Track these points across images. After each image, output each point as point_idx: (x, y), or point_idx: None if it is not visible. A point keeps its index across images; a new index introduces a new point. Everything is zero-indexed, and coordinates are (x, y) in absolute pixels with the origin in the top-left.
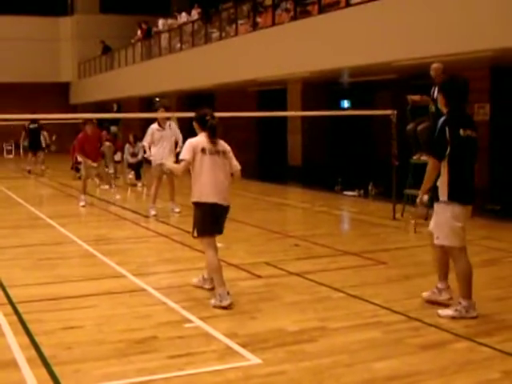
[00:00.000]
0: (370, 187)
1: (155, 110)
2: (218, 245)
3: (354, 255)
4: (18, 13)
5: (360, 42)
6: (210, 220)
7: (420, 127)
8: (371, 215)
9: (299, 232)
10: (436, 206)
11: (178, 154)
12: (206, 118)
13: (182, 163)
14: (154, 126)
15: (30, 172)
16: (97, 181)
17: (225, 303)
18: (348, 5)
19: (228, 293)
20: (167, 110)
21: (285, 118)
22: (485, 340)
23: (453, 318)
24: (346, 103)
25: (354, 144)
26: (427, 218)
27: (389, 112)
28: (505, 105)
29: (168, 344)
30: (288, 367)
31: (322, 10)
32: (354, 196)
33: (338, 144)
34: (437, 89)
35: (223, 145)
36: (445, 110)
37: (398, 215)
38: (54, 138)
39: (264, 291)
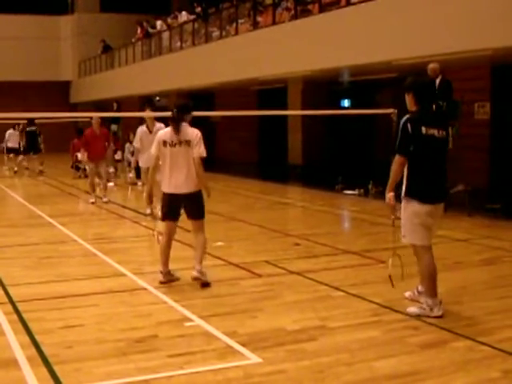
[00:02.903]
0: (370, 186)
1: (153, 110)
2: (219, 243)
3: (354, 254)
4: (18, 11)
5: (360, 40)
6: (166, 208)
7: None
8: (371, 214)
9: (299, 231)
10: (401, 202)
11: None
12: (173, 110)
13: (152, 159)
14: (143, 128)
15: (16, 172)
16: (97, 179)
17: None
18: (348, 4)
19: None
20: (166, 109)
21: (285, 117)
22: (484, 339)
23: (417, 315)
24: (346, 102)
25: (354, 143)
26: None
27: (389, 111)
28: (505, 104)
29: (168, 343)
30: (288, 366)
31: (323, 8)
32: (354, 195)
33: (338, 143)
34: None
35: (188, 134)
36: (413, 109)
37: (398, 214)
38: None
39: (264, 290)
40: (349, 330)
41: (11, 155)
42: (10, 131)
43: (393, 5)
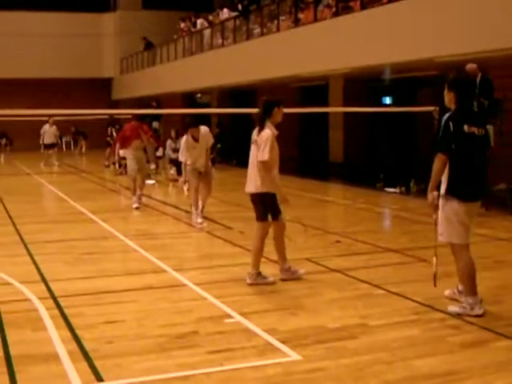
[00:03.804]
0: (411, 184)
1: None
2: None
3: (394, 252)
4: (61, 9)
5: (402, 38)
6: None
7: None
8: (412, 212)
9: (340, 229)
10: (440, 200)
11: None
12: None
13: None
14: (189, 139)
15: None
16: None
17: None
18: (390, 1)
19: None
20: (207, 106)
21: (326, 114)
22: None
23: (458, 314)
24: (387, 99)
25: (395, 140)
26: None
27: (430, 108)
28: None
29: (208, 339)
30: (328, 364)
31: (364, 5)
32: (395, 193)
33: (379, 140)
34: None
35: (261, 134)
36: (453, 107)
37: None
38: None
39: (305, 287)
40: (389, 329)
41: (50, 151)
42: (46, 127)
43: (434, 1)
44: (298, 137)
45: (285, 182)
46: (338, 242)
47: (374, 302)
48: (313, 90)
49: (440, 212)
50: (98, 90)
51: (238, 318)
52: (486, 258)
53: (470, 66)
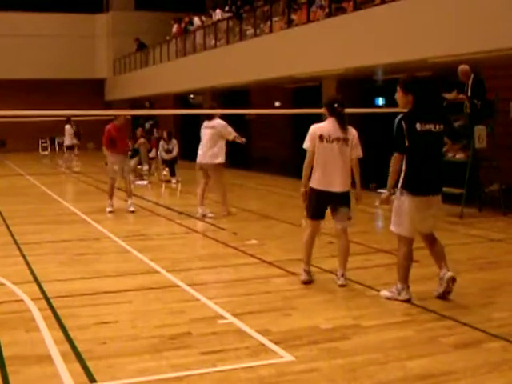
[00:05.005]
0: None
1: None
2: (252, 241)
3: (387, 253)
4: (54, 10)
5: (395, 38)
6: (314, 205)
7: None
8: None
9: (333, 229)
10: (396, 192)
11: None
12: (334, 106)
13: (307, 154)
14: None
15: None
16: (131, 176)
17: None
18: (383, 2)
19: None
20: (200, 107)
21: (320, 115)
22: None
23: (387, 298)
24: (380, 100)
25: (388, 141)
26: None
27: None
28: None
29: (201, 340)
30: (321, 364)
31: (357, 6)
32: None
33: (372, 141)
34: (398, 88)
35: (348, 132)
36: (407, 108)
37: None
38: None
39: (297, 288)
40: (382, 329)
41: (67, 152)
42: (67, 127)
43: (428, 2)
44: (290, 138)
45: (278, 182)
46: (331, 242)
47: (367, 303)
48: (306, 91)
49: (394, 204)
50: (91, 90)
51: (230, 318)
52: (479, 258)
53: (463, 67)
